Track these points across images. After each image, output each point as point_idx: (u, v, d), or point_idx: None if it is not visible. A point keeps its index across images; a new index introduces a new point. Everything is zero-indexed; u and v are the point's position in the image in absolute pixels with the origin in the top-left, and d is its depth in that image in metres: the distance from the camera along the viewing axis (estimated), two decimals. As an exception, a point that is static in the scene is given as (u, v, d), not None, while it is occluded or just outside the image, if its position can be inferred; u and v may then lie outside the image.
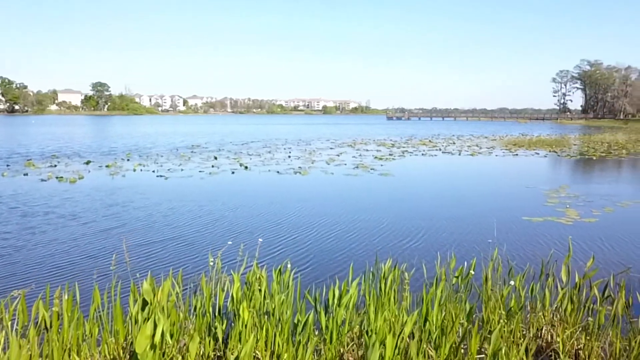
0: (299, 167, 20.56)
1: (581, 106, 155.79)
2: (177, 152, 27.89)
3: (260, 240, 8.11)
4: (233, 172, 18.92)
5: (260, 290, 4.33)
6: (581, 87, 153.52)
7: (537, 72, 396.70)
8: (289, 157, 25.64)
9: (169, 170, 19.39)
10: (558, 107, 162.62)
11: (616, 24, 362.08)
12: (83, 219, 10.33)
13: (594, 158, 25.81)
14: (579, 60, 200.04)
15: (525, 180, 17.10)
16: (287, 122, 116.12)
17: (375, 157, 25.14)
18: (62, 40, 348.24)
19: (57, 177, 16.65)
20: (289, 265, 4.78)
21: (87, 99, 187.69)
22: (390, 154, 27.20)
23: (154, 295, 3.73)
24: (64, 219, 10.31)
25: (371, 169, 19.98)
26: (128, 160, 23.38)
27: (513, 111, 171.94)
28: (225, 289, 4.55)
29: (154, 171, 18.97)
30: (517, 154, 27.88)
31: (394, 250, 8.14)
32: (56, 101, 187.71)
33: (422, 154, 27.51)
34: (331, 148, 32.53)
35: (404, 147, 33.58)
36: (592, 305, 4.42)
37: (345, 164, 22.03)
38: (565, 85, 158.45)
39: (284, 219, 10.53)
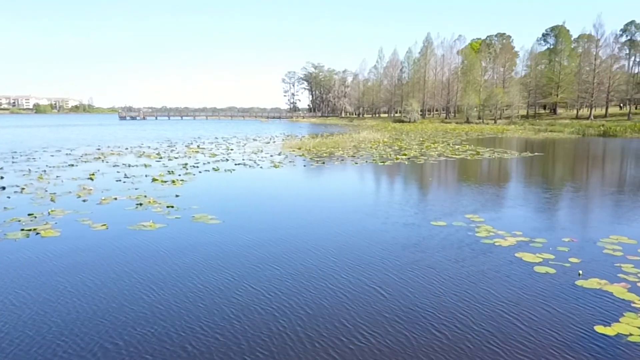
0: (31, 216, 11.07)
1: (308, 105, 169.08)
2: None
3: None
4: None
5: None
6: (308, 87, 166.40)
7: (264, 71, 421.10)
8: (3, 188, 15.11)
9: None
10: (288, 106, 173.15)
11: (335, 29, 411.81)
12: None
13: (418, 162, 23.15)
14: (305, 62, 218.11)
15: (412, 209, 12.01)
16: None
17: (155, 180, 16.83)
18: None
19: None
20: None
21: None
22: (170, 172, 19.09)
23: None
24: None
25: (168, 208, 11.98)
26: None
27: (241, 110, 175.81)
28: None
29: None
30: (323, 162, 23.26)
31: None
32: None
33: (214, 169, 20.27)
34: (72, 164, 22.10)
35: (176, 157, 25.55)
36: None
37: (116, 198, 13.31)
38: (294, 85, 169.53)
39: None
